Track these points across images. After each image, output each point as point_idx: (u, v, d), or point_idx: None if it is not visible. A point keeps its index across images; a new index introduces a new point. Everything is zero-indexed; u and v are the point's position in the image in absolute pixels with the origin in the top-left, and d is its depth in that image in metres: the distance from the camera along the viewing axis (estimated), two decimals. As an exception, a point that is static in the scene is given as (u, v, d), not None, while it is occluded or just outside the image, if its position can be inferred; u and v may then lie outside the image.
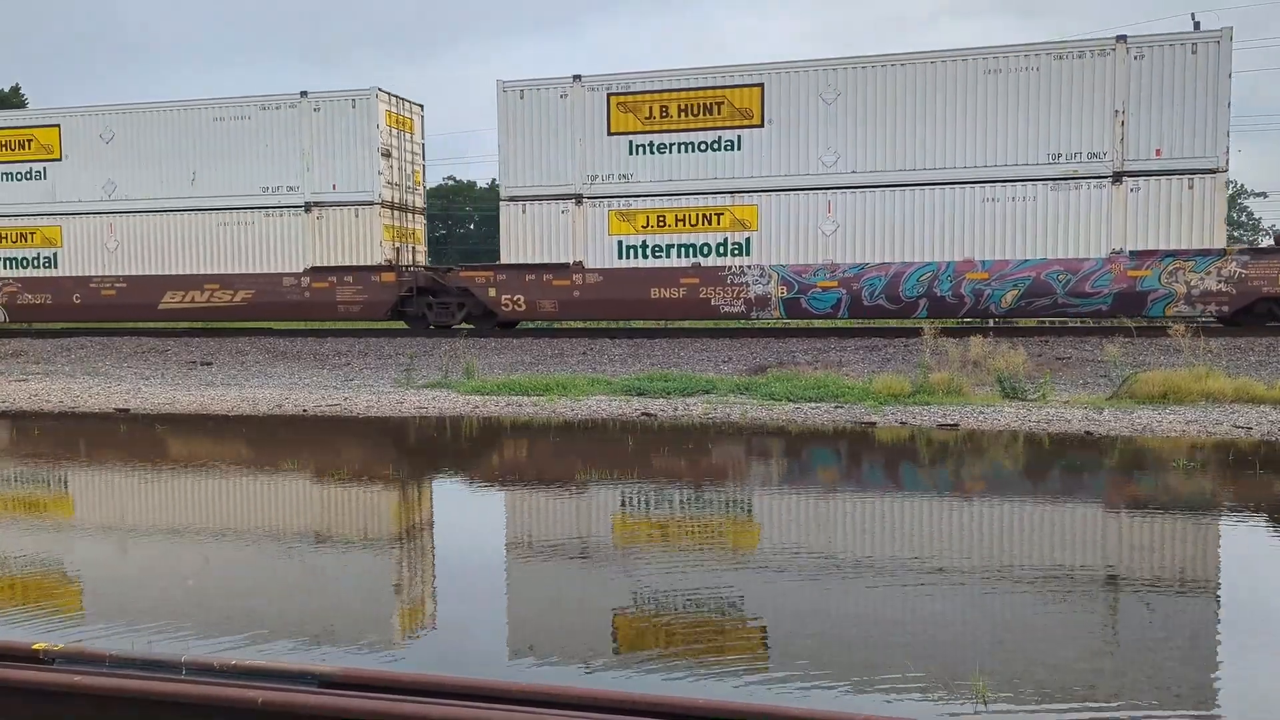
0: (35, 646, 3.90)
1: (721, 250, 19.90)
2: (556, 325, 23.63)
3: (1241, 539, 7.28)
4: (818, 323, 22.27)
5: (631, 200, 20.25)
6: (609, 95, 20.19)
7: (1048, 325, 21.63)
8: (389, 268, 21.89)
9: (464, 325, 22.03)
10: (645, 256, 20.29)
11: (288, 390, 16.70)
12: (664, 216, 20.12)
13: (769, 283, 19.59)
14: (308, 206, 22.01)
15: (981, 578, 6.14)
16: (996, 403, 13.61)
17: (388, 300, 21.73)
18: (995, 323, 20.84)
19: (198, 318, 23.16)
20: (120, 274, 23.20)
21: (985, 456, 10.69)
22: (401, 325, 23.06)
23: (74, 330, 25.60)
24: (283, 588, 6.21)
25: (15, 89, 54.38)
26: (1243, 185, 62.80)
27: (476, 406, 14.49)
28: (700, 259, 19.99)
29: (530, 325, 23.29)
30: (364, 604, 5.82)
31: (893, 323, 21.31)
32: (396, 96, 22.37)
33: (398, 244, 22.51)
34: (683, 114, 19.83)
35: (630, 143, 20.15)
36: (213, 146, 22.44)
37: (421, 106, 23.41)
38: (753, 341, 19.83)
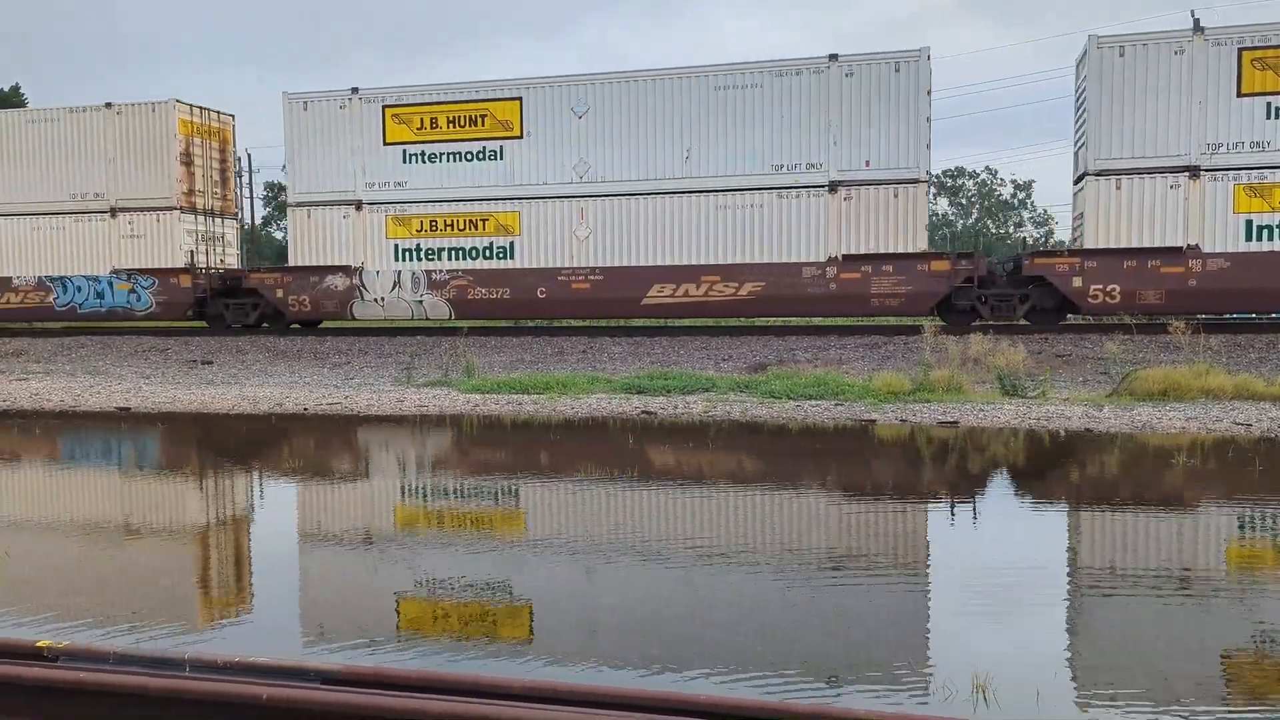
0: (39, 644, 3.84)
1: (1392, 230, 16.92)
2: (557, 324, 22.33)
3: None
4: (817, 320, 22.16)
5: (1265, 172, 17.32)
6: (1240, 49, 17.25)
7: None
8: (939, 255, 19.14)
9: (1022, 322, 19.26)
10: (1285, 238, 17.36)
11: (288, 389, 16.61)
12: (1311, 191, 17.17)
13: None
14: (833, 186, 19.30)
15: None
16: (997, 400, 13.61)
17: (937, 292, 18.97)
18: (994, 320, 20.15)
19: (692, 314, 20.58)
20: (593, 265, 20.67)
21: (986, 453, 10.63)
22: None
23: (74, 329, 24.15)
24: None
25: (15, 89, 53.61)
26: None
27: (477, 405, 14.42)
28: (1364, 240, 17.03)
29: (530, 324, 22.86)
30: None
31: (893, 320, 20.59)
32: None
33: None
34: (1342, 69, 16.86)
35: (1269, 105, 17.21)
36: (712, 120, 19.81)
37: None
38: (753, 339, 19.57)
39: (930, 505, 8.35)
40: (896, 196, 19.06)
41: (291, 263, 22.47)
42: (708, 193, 19.96)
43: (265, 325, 23.38)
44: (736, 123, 19.70)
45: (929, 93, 18.84)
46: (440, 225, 21.49)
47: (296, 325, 23.45)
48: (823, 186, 19.36)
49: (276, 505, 9.06)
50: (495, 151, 21.07)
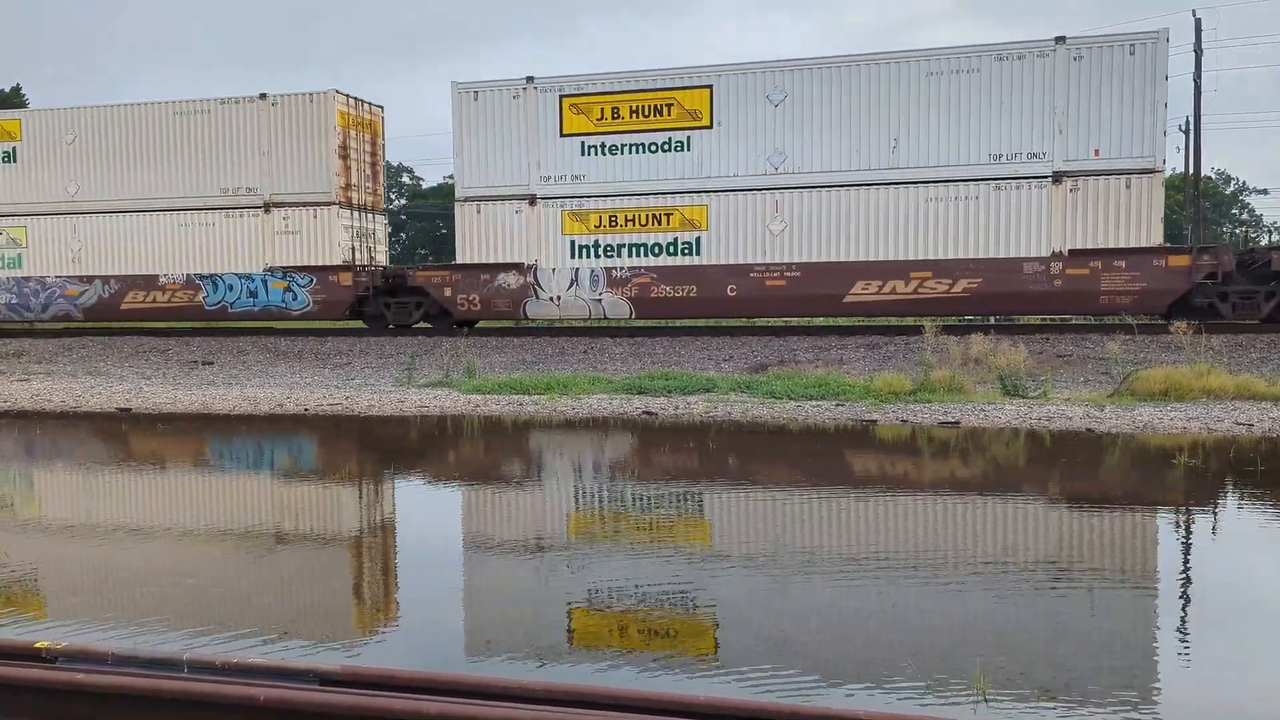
0: (38, 645, 3.84)
1: None
2: (558, 325, 22.12)
3: None
4: (819, 320, 22.24)
5: None
6: None
7: (1049, 323, 20.44)
8: (1178, 249, 18.01)
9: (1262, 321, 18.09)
10: None
11: (289, 389, 16.59)
12: None
13: None
14: (1056, 177, 18.19)
15: None
16: (998, 400, 13.59)
17: (1175, 289, 17.83)
18: (996, 320, 20.09)
19: (900, 312, 19.51)
20: (789, 260, 19.62)
21: (987, 453, 10.65)
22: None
23: (76, 330, 24.03)
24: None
25: (16, 89, 53.60)
26: (1244, 182, 62.13)
27: (478, 405, 14.44)
28: None
29: (530, 324, 22.41)
30: None
31: (893, 320, 20.73)
32: (1160, 41, 18.43)
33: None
34: None
35: None
36: (923, 107, 18.72)
37: (1147, 56, 19.42)
38: (754, 340, 19.47)
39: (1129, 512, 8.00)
40: (1128, 187, 17.93)
41: (459, 260, 21.52)
42: (917, 184, 18.88)
43: (428, 325, 22.48)
44: (950, 110, 18.61)
45: (1166, 77, 17.69)
46: (621, 220, 20.49)
47: (455, 325, 22.51)
48: (1046, 177, 18.25)
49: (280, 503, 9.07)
50: (681, 142, 20.05)
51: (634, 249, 20.48)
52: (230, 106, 22.55)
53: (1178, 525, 7.59)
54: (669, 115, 20.06)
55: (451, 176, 73.91)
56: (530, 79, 20.72)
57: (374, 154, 23.75)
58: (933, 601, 5.54)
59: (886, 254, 19.11)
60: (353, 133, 22.71)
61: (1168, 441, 10.86)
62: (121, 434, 13.08)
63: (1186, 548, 6.93)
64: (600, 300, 20.68)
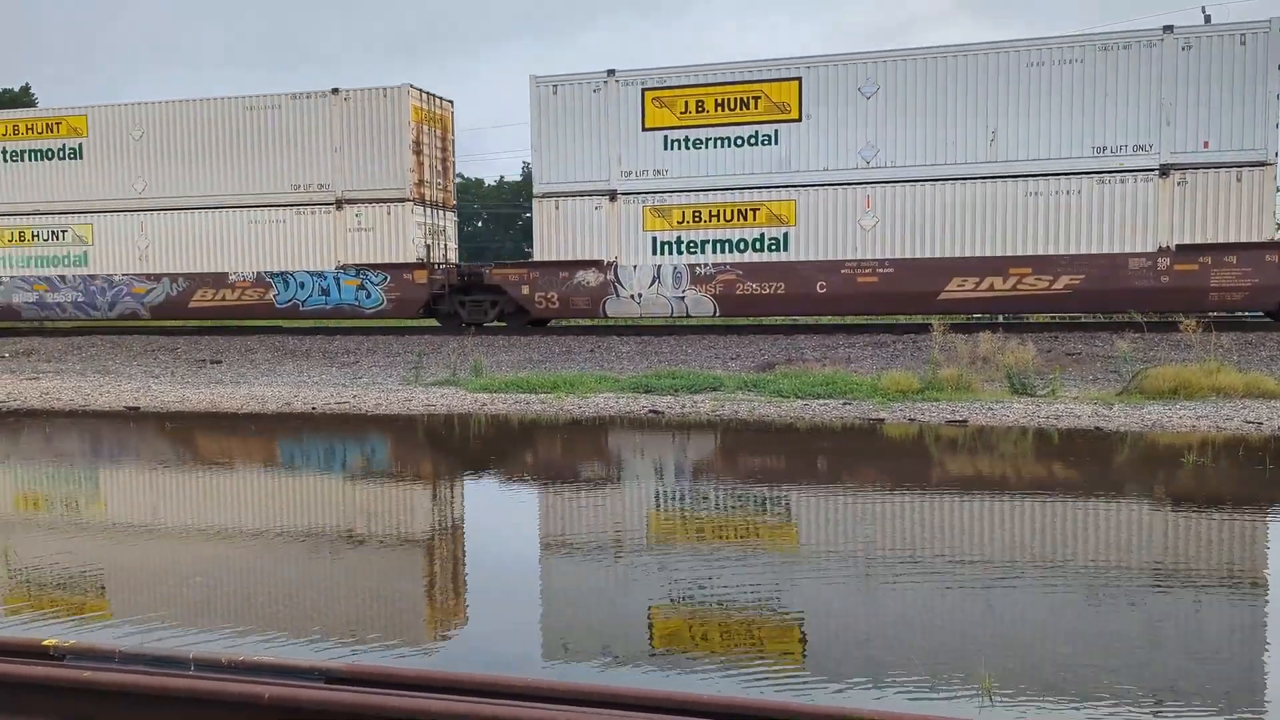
0: (45, 642, 3.83)
1: None
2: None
3: None
4: (825, 319, 22.07)
5: None
6: None
7: (1057, 321, 20.26)
8: (1291, 244, 17.47)
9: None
10: None
11: (296, 388, 16.49)
12: None
13: None
14: (1164, 170, 17.66)
15: None
16: (1006, 399, 13.45)
17: (1290, 285, 17.31)
18: (1004, 318, 20.02)
19: (997, 309, 19.06)
20: (882, 256, 19.15)
21: (997, 451, 10.53)
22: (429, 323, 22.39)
23: (84, 329, 23.98)
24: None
25: (25, 88, 53.84)
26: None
27: (485, 404, 14.38)
28: None
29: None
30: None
31: (901, 319, 20.56)
32: (1270, 30, 17.87)
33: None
34: None
35: None
36: (1022, 98, 18.22)
37: (1251, 45, 18.88)
38: (761, 339, 19.33)
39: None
40: (1239, 180, 17.39)
41: (537, 257, 21.14)
42: (1015, 178, 18.38)
43: (503, 324, 22.10)
44: (1050, 101, 18.09)
45: (1279, 67, 17.16)
46: (705, 216, 20.05)
47: (530, 324, 22.13)
48: (1152, 170, 17.72)
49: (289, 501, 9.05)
50: (769, 136, 19.59)
51: (719, 245, 20.04)
52: (301, 102, 22.22)
53: (1181, 524, 7.41)
54: (756, 108, 19.61)
55: (461, 175, 74.03)
56: (611, 72, 20.31)
57: (445, 150, 23.40)
58: (941, 601, 5.59)
59: (983, 250, 18.61)
60: (425, 128, 22.36)
61: (1176, 440, 10.77)
62: (130, 432, 13.02)
63: (1190, 547, 6.84)
64: (683, 298, 20.26)
